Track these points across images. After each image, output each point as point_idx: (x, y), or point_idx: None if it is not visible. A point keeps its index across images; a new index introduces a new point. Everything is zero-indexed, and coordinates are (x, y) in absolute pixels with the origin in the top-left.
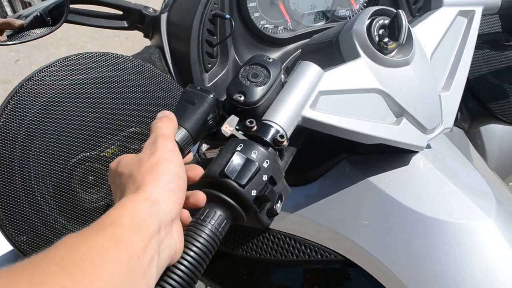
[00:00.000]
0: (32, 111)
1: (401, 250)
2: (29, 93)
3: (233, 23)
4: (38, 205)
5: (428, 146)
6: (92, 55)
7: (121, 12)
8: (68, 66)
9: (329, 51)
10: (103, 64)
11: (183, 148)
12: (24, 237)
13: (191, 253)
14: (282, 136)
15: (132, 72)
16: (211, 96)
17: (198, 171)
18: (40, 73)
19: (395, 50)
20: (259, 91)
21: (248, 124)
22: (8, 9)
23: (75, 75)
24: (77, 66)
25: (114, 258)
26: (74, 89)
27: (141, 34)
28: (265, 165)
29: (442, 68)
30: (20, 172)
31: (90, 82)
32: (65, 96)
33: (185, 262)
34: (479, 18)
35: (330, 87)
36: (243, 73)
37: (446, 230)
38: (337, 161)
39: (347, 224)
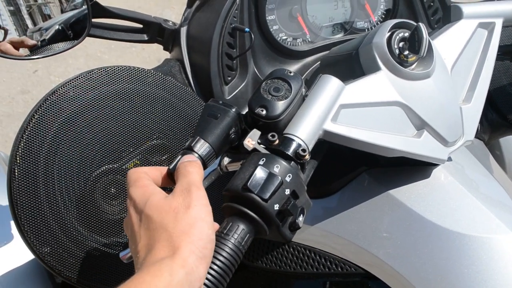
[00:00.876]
0: (56, 124)
1: (423, 263)
2: (53, 106)
3: (253, 36)
4: (62, 217)
5: (449, 159)
6: (114, 69)
7: (141, 26)
8: (91, 79)
9: (349, 64)
10: (125, 78)
11: (205, 162)
12: (48, 248)
13: (215, 267)
14: (304, 150)
15: (153, 86)
16: (233, 110)
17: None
18: (64, 87)
19: (416, 63)
20: (280, 105)
21: (270, 138)
22: (28, 22)
23: (98, 88)
24: (100, 79)
25: None
26: (97, 102)
27: (157, 44)
28: (288, 179)
29: (463, 80)
30: (44, 184)
31: (112, 96)
32: (88, 109)
33: (209, 276)
34: (499, 30)
35: (351, 100)
36: (265, 87)
37: (469, 244)
38: (357, 174)
39: (367, 237)
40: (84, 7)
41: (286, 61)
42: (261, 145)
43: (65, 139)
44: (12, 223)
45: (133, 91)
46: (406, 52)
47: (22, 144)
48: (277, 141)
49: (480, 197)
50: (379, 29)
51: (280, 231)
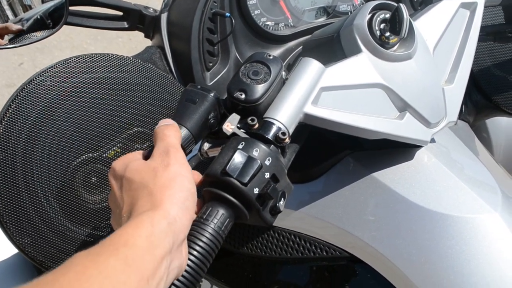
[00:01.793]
0: (34, 114)
1: (407, 245)
2: (30, 95)
3: (234, 21)
4: (42, 207)
5: (433, 140)
6: (92, 57)
7: (121, 13)
8: (68, 68)
9: (331, 46)
10: (104, 65)
11: (185, 148)
12: (28, 239)
13: (195, 253)
14: (284, 134)
15: (133, 73)
16: (212, 94)
17: (196, 177)
18: (40, 76)
19: (397, 44)
20: (260, 88)
21: (249, 122)
22: (9, 13)
23: (76, 76)
24: (78, 67)
25: (124, 283)
26: (75, 90)
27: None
28: (267, 162)
29: (445, 61)
30: (23, 174)
31: (91, 84)
32: (66, 98)
33: (189, 262)
34: (481, 10)
35: (332, 83)
36: (244, 71)
37: (452, 224)
38: (340, 158)
39: (352, 220)
40: None
41: (269, 46)
42: (241, 130)
43: (43, 129)
44: None
45: (112, 79)
46: (387, 34)
47: None
48: (256, 125)
49: (464, 178)
50: (360, 11)
51: (261, 215)
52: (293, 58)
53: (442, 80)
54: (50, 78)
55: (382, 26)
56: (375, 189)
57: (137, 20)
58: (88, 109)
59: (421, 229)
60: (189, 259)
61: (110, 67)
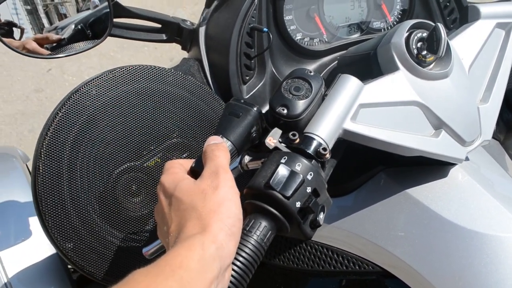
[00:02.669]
0: (79, 122)
1: (440, 262)
2: (76, 104)
3: (271, 36)
4: (84, 213)
5: (466, 158)
6: (136, 68)
7: (159, 25)
8: (113, 78)
9: (367, 63)
10: (146, 77)
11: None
12: (71, 244)
13: (238, 263)
14: (324, 149)
15: (174, 85)
16: (255, 109)
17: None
18: (86, 86)
19: (434, 63)
20: (301, 104)
21: (291, 136)
22: (45, 21)
23: (120, 87)
24: (122, 78)
25: None
26: (119, 100)
27: (170, 44)
28: (309, 177)
29: (480, 80)
30: (68, 181)
31: (134, 94)
32: (110, 108)
33: (233, 273)
34: None
35: (370, 100)
36: (286, 87)
37: (487, 243)
38: (374, 173)
39: (384, 235)
40: (101, 6)
41: (303, 61)
42: (283, 144)
43: (88, 136)
44: (30, 219)
45: (154, 90)
46: (424, 52)
47: (46, 141)
48: (298, 140)
49: (498, 196)
50: (397, 29)
51: (301, 228)
52: (327, 73)
53: (477, 99)
54: (96, 88)
55: (419, 44)
56: (408, 205)
57: (175, 32)
58: (131, 119)
59: (455, 247)
60: (233, 269)
61: (153, 78)
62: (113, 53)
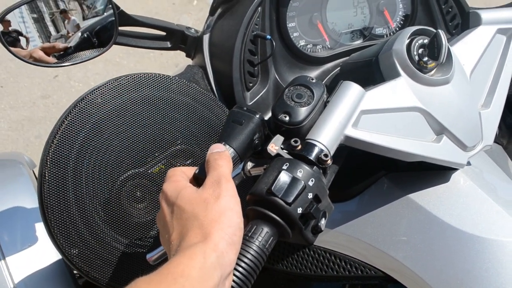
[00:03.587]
0: (85, 129)
1: (442, 266)
2: (82, 112)
3: (274, 43)
4: (89, 220)
5: (468, 163)
6: (140, 76)
7: (164, 33)
8: (118, 86)
9: (369, 70)
10: (151, 85)
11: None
12: (76, 250)
13: (240, 269)
14: (326, 155)
15: (178, 92)
16: (257, 116)
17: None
18: (92, 94)
19: (435, 69)
20: (303, 111)
21: (293, 143)
22: (51, 29)
23: (125, 95)
24: (127, 86)
25: None
26: (124, 108)
27: (175, 50)
28: (310, 183)
29: (482, 85)
30: (73, 188)
31: (138, 102)
32: (115, 115)
33: (235, 278)
34: None
35: (371, 106)
36: (288, 94)
37: (489, 247)
38: (376, 179)
39: (387, 240)
40: (107, 14)
41: (306, 67)
42: (284, 150)
43: (93, 144)
44: (36, 225)
45: (158, 98)
46: (426, 59)
47: (52, 149)
48: (299, 147)
49: (499, 201)
50: (398, 36)
51: (303, 234)
52: (330, 80)
53: (478, 104)
54: (101, 96)
55: (420, 51)
56: (410, 210)
57: (180, 40)
58: (136, 126)
59: (457, 251)
60: (235, 275)
61: (157, 86)
62: (119, 59)
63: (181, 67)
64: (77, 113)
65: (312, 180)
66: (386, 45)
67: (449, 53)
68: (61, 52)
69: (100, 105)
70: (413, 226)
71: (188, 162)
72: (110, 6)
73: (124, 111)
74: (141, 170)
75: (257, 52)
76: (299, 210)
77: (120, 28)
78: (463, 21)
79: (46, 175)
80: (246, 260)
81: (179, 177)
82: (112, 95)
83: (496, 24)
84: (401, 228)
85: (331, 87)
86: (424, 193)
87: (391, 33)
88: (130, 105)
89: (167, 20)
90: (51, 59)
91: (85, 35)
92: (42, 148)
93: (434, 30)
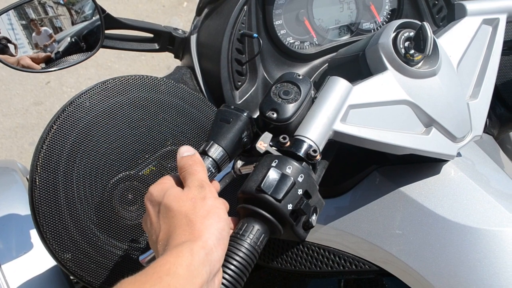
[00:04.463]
0: (74, 134)
1: (435, 258)
2: (70, 117)
3: (261, 42)
4: (81, 224)
5: (459, 154)
6: (128, 78)
7: (152, 35)
8: (106, 89)
9: (356, 65)
10: (139, 86)
11: (220, 166)
12: (69, 255)
13: (232, 267)
14: (315, 151)
15: (166, 93)
16: (245, 114)
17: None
18: (80, 98)
19: (422, 62)
20: (291, 108)
21: (281, 140)
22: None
23: (113, 98)
24: (114, 89)
25: None
26: (112, 111)
27: (167, 53)
28: (300, 179)
29: (469, 76)
30: (64, 192)
31: (127, 104)
32: (104, 118)
33: (227, 276)
34: (503, 25)
35: (359, 100)
36: (275, 91)
37: (480, 237)
38: (367, 173)
39: (380, 234)
40: (95, 18)
41: (295, 64)
42: (273, 147)
43: (82, 147)
44: (31, 232)
45: (146, 99)
46: (412, 51)
47: (42, 154)
48: (288, 143)
49: (491, 191)
50: (384, 29)
51: (294, 230)
52: (319, 76)
53: (466, 95)
54: (89, 100)
55: (406, 44)
56: (402, 203)
57: (167, 41)
58: (125, 129)
59: (450, 243)
60: (227, 273)
61: (145, 88)
62: (111, 63)
63: (173, 69)
64: (66, 117)
65: (301, 176)
66: (372, 39)
67: (435, 45)
68: (45, 61)
69: (88, 108)
70: (406, 219)
71: None
72: (97, 12)
73: (113, 113)
74: (132, 173)
75: (245, 51)
76: (289, 207)
77: (107, 31)
78: (449, 13)
79: (37, 181)
80: (237, 258)
81: (165, 180)
82: (100, 98)
83: (482, 15)
84: (394, 222)
85: (319, 84)
86: (415, 186)
87: (378, 28)
88: (119, 107)
89: (158, 23)
90: (37, 66)
91: (73, 40)
92: None
93: (420, 23)
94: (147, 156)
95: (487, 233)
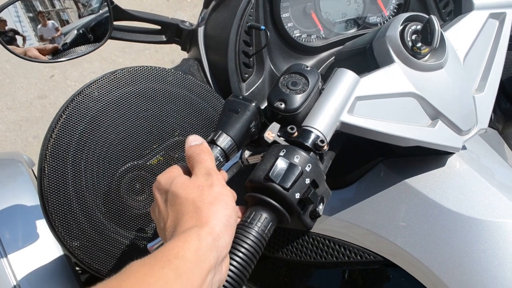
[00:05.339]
0: (83, 123)
1: (440, 249)
2: (79, 106)
3: (268, 34)
4: (90, 212)
5: (464, 147)
6: (136, 69)
7: (159, 27)
8: (115, 80)
9: (363, 57)
10: (147, 77)
11: (228, 155)
12: (78, 242)
13: (240, 254)
14: (322, 141)
15: (174, 84)
16: (253, 104)
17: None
18: (89, 88)
19: (428, 55)
20: (298, 98)
21: (289, 130)
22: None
23: (122, 88)
24: (123, 79)
25: None
26: (121, 101)
27: (170, 46)
28: (307, 169)
29: (475, 70)
30: (73, 181)
31: (135, 95)
32: (113, 108)
33: (234, 263)
34: (510, 19)
35: (366, 92)
36: (283, 82)
37: (485, 229)
38: (373, 164)
39: (385, 226)
40: (102, 11)
41: (301, 57)
42: (281, 137)
43: (91, 137)
44: (37, 222)
45: (155, 90)
46: (419, 44)
47: (51, 143)
48: (296, 133)
49: (495, 183)
50: (392, 22)
51: (301, 219)
52: (325, 69)
53: (472, 88)
54: (98, 90)
55: (413, 37)
56: (408, 195)
57: (175, 33)
58: (133, 119)
59: (454, 234)
60: (235, 260)
61: (153, 79)
62: (115, 57)
63: (177, 63)
64: (75, 107)
65: (309, 166)
66: (379, 32)
67: (442, 38)
68: (52, 52)
69: (97, 98)
70: (411, 210)
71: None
72: (105, 3)
73: (121, 104)
74: (139, 162)
75: (252, 43)
76: (297, 195)
77: (115, 23)
78: (456, 7)
79: (46, 169)
80: (245, 245)
81: (173, 169)
82: (109, 89)
83: (489, 9)
84: (399, 213)
85: (326, 76)
86: (420, 178)
87: (385, 22)
88: (127, 98)
89: None
90: (44, 57)
91: (81, 31)
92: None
93: (427, 16)
94: (155, 146)
95: (491, 224)
